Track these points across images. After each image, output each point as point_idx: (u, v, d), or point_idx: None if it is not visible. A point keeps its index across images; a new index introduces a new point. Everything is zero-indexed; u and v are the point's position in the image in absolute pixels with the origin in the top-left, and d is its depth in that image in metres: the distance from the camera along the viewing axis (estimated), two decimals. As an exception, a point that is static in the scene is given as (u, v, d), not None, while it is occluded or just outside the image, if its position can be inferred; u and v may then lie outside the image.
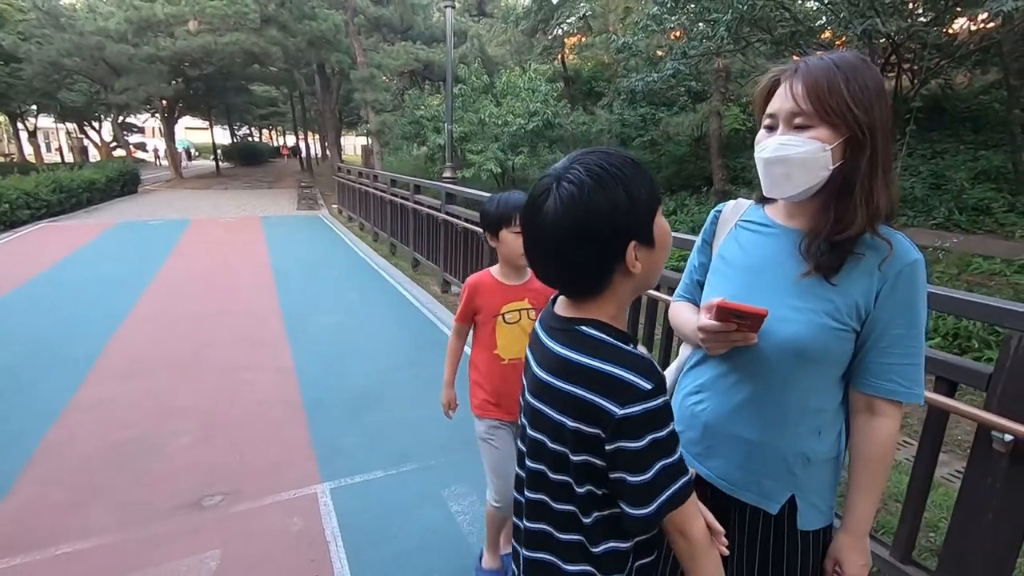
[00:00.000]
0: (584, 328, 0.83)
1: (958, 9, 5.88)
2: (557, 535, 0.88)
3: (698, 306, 1.25)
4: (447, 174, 9.05)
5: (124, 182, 16.92)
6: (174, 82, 19.94)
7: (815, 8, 6.75)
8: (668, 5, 6.66)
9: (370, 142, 16.52)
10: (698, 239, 1.28)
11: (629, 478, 0.78)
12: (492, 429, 1.83)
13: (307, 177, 23.97)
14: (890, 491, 2.34)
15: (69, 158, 29.56)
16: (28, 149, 29.38)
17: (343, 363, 4.04)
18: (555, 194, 0.79)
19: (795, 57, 8.28)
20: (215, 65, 17.94)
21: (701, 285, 1.25)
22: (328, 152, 22.14)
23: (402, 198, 7.34)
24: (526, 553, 0.93)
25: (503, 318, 1.77)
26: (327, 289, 6.34)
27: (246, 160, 36.27)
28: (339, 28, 14.97)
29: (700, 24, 7.11)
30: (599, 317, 0.84)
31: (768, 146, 0.97)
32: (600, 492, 0.83)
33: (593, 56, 17.72)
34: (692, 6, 6.59)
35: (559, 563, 0.88)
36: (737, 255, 1.12)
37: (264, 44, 14.39)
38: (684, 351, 1.29)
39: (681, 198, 12.28)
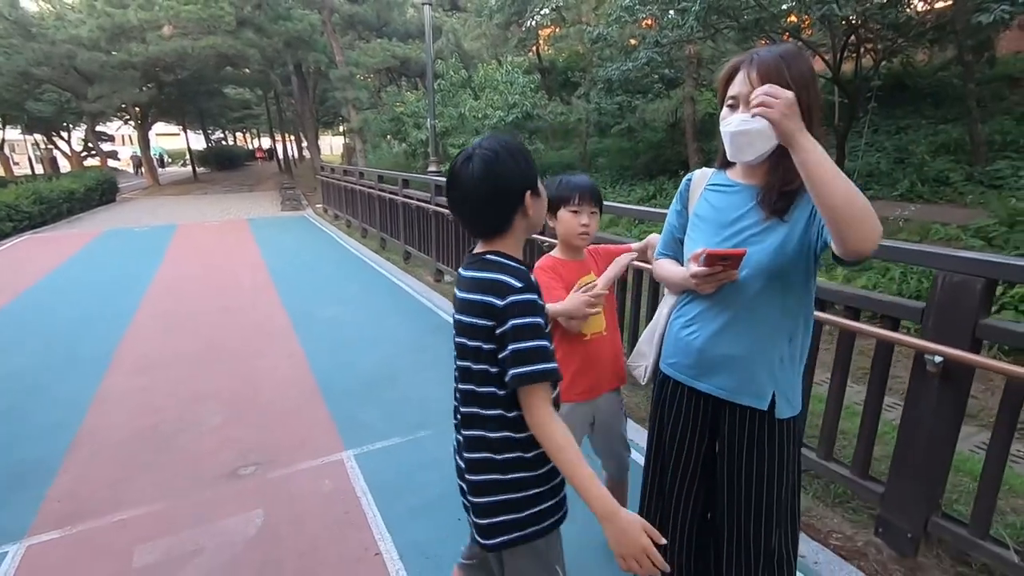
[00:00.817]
0: (488, 256, 1.17)
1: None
2: (483, 412, 1.18)
3: (679, 261, 1.52)
4: (432, 168, 9.26)
5: (102, 191, 16.80)
6: (147, 88, 19.73)
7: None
8: (640, -4, 6.96)
9: (352, 140, 16.58)
10: (674, 204, 1.54)
11: (502, 352, 1.09)
12: (570, 413, 1.78)
13: (287, 178, 23.90)
14: (844, 428, 2.66)
15: (39, 169, 28.99)
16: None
17: (350, 349, 4.28)
18: (474, 162, 1.11)
19: (762, 43, 8.61)
20: (189, 70, 17.82)
21: (680, 242, 1.50)
22: (308, 152, 22.09)
23: (391, 193, 7.54)
24: (464, 433, 1.23)
25: None
26: (324, 283, 6.54)
27: (222, 164, 35.88)
28: (315, 28, 15.00)
29: (671, 13, 7.40)
30: (501, 249, 1.17)
31: (733, 121, 1.20)
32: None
33: (568, 47, 17.95)
34: (665, -1, 6.90)
35: (487, 434, 1.18)
36: (710, 212, 1.39)
37: (240, 47, 14.38)
38: (669, 298, 1.58)
39: (660, 183, 12.61)
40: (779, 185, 1.26)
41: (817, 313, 2.25)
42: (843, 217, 1.04)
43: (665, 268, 1.54)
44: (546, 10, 18.71)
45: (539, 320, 1.10)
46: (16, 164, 35.16)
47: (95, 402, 3.47)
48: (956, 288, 1.83)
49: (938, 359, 1.85)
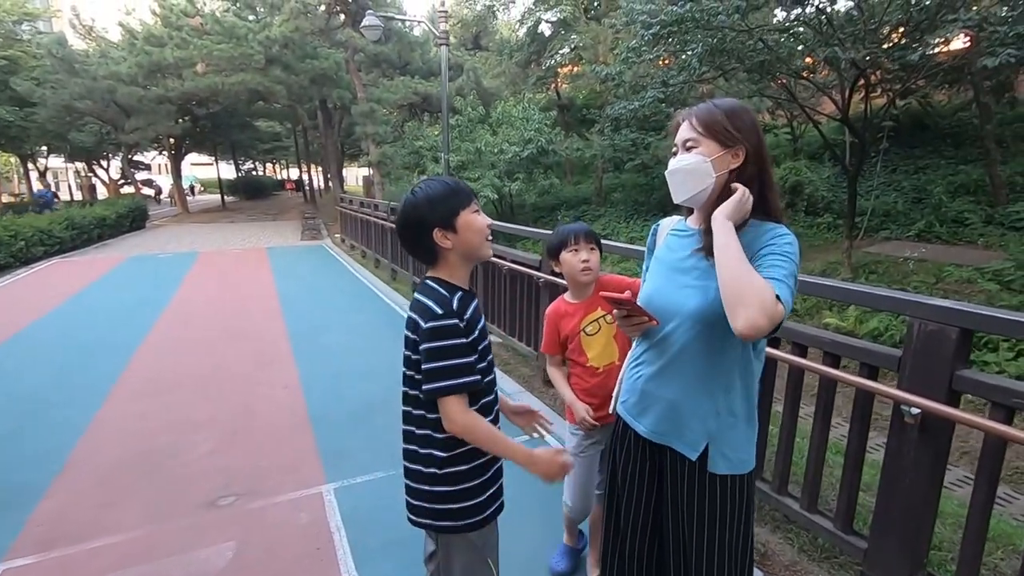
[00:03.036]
0: (427, 280, 1.36)
1: (924, 38, 6.26)
2: (413, 412, 1.37)
3: None
4: (445, 201, 9.42)
5: (133, 218, 17.41)
6: (181, 120, 20.63)
7: (782, 38, 7.15)
8: (646, 39, 7.11)
9: (371, 173, 17.02)
10: (647, 251, 1.57)
11: (424, 366, 1.28)
12: (587, 445, 2.00)
13: (311, 208, 24.51)
14: (824, 481, 2.57)
15: (78, 196, 30.30)
16: (39, 189, 30.12)
17: (345, 380, 4.30)
18: (403, 201, 1.36)
19: (773, 84, 8.68)
20: (221, 104, 18.63)
21: None
22: (331, 184, 22.71)
23: (402, 225, 7.64)
24: (403, 427, 1.41)
25: (585, 332, 1.94)
26: (331, 312, 6.63)
27: (251, 194, 36.95)
28: (340, 65, 15.62)
29: (682, 55, 7.54)
30: (438, 275, 1.36)
31: (670, 164, 1.31)
32: None
33: (586, 84, 18.32)
34: (671, 40, 7.03)
35: (415, 430, 1.38)
36: (665, 256, 1.43)
37: (268, 83, 15.02)
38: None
39: (674, 219, 12.59)
40: (708, 224, 1.27)
41: (794, 359, 2.23)
42: (730, 296, 1.12)
43: None
44: (565, 49, 19.24)
45: (450, 343, 1.27)
46: (58, 191, 36.94)
47: (92, 427, 3.54)
48: (931, 337, 1.79)
49: (915, 411, 1.79)
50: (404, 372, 1.36)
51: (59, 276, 9.53)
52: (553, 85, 20.45)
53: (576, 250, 1.91)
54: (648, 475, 1.46)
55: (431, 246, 1.33)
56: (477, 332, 1.35)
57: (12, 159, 31.06)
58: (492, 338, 5.26)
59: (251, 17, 15.85)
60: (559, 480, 1.38)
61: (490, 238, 1.40)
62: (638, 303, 1.36)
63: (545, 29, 20.85)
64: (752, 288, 1.09)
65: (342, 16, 15.27)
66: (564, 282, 3.68)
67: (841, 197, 9.88)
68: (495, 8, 21.04)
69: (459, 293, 1.34)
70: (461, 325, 1.29)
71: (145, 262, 10.93)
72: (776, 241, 1.21)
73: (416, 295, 1.35)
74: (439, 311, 1.27)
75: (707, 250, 1.26)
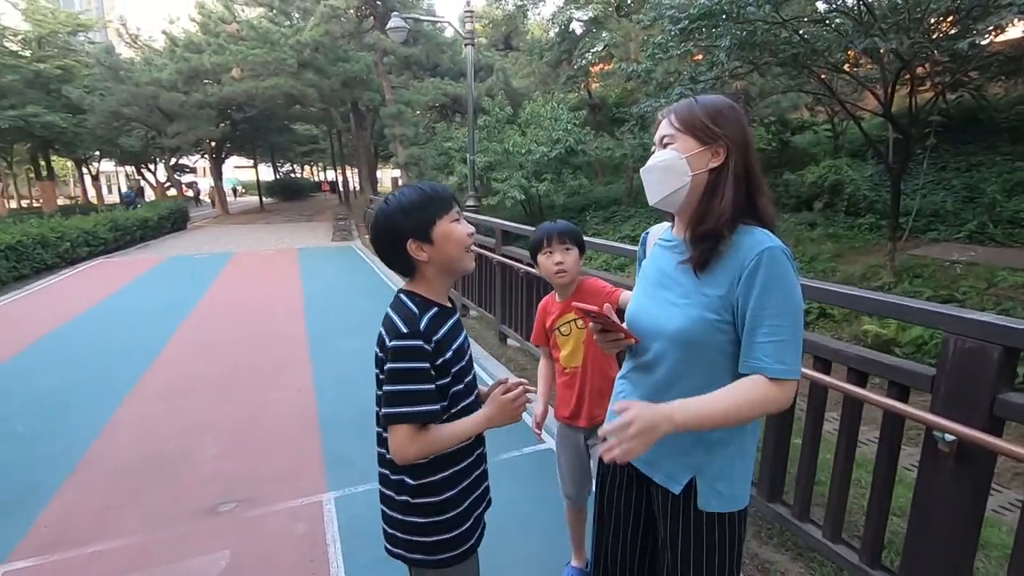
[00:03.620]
0: (400, 294, 1.26)
1: (976, 27, 5.85)
2: (382, 434, 1.26)
3: None
4: (470, 202, 9.39)
5: (174, 219, 18.01)
6: (221, 125, 21.26)
7: (819, 30, 6.79)
8: (673, 34, 6.86)
9: (401, 174, 17.15)
10: (637, 262, 1.46)
11: (383, 387, 1.18)
12: (561, 432, 2.06)
13: (342, 210, 24.95)
14: (853, 503, 2.36)
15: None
16: (92, 191, 31.67)
17: (357, 384, 4.26)
18: (374, 212, 1.28)
19: (811, 79, 8.27)
20: (258, 107, 19.13)
21: None
22: (363, 185, 23.03)
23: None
24: (377, 449, 1.31)
25: (559, 331, 1.96)
26: (352, 315, 6.64)
27: (288, 195, 37.92)
28: (370, 68, 15.80)
29: (712, 51, 7.26)
30: (413, 289, 1.26)
31: (648, 162, 1.20)
32: None
33: (617, 83, 18.04)
34: (699, 34, 6.78)
35: (385, 453, 1.26)
36: (649, 268, 1.32)
37: (301, 87, 15.32)
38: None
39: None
40: (691, 229, 1.16)
41: (816, 375, 2.04)
42: (747, 420, 1.11)
43: None
44: (597, 47, 18.99)
45: (411, 365, 1.17)
46: (110, 193, 38.74)
47: (106, 429, 3.59)
48: (970, 356, 1.59)
49: (950, 437, 1.60)
50: (377, 392, 1.25)
51: (99, 276, 9.88)
52: (584, 84, 20.21)
53: (550, 252, 1.87)
54: (635, 503, 1.36)
55: (401, 255, 1.23)
56: (451, 353, 1.24)
57: (68, 163, 32.64)
58: (511, 342, 4.98)
59: (286, 23, 16.18)
60: (521, 414, 1.29)
61: (471, 249, 1.28)
62: (626, 320, 1.25)
63: (577, 27, 20.63)
64: (753, 409, 1.08)
65: (371, 19, 15.43)
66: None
67: (884, 197, 9.37)
68: (525, 8, 20.93)
69: (433, 310, 1.23)
70: (427, 348, 1.18)
71: (181, 263, 11.25)
72: (768, 283, 1.06)
73: (388, 309, 1.24)
74: (404, 330, 1.17)
75: (693, 263, 1.14)
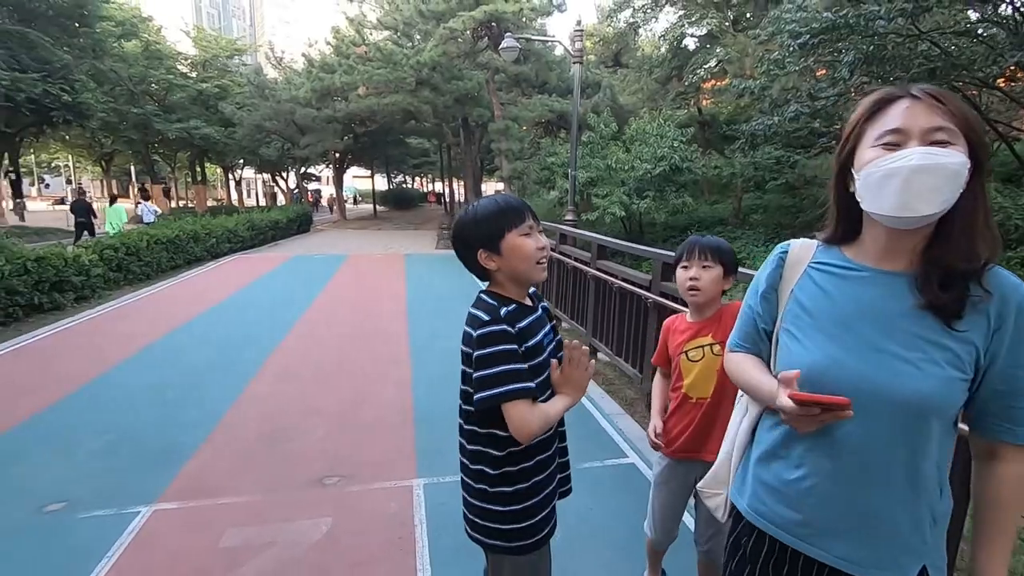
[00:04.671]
0: (481, 293, 1.37)
1: None
2: (464, 426, 1.38)
3: (762, 358, 1.14)
4: (569, 216, 9.51)
5: (300, 222, 19.90)
6: (345, 138, 23.23)
7: (963, 43, 6.16)
8: (792, 49, 6.55)
9: (504, 187, 17.72)
10: (759, 283, 1.14)
11: (475, 374, 1.25)
12: (666, 468, 1.89)
13: (448, 220, 26.10)
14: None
15: (263, 202, 35.44)
16: (235, 195, 35.85)
17: (451, 385, 4.49)
18: (455, 220, 1.38)
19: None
20: (378, 122, 20.69)
21: (768, 334, 1.12)
22: (467, 197, 24.02)
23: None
24: (460, 439, 1.42)
25: (686, 355, 1.78)
26: (451, 318, 6.98)
27: (399, 204, 40.33)
28: (482, 86, 16.55)
29: (834, 67, 6.86)
30: (492, 289, 1.37)
31: (911, 155, 0.86)
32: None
33: (729, 100, 17.41)
34: (821, 49, 6.41)
35: (466, 443, 1.38)
36: (822, 303, 1.00)
37: (418, 103, 16.40)
38: (752, 409, 1.17)
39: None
40: (948, 264, 0.89)
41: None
42: None
43: (743, 369, 1.14)
44: (711, 63, 18.47)
45: (501, 348, 1.24)
46: (248, 196, 43.55)
47: (238, 401, 4.11)
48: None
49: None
50: (461, 388, 1.36)
51: (236, 270, 11.16)
52: (695, 101, 19.71)
53: (687, 266, 1.74)
54: None
55: (473, 261, 1.34)
56: (533, 342, 1.30)
57: (217, 170, 37.17)
58: (600, 356, 5.01)
59: (408, 44, 17.42)
60: (588, 375, 1.33)
61: (543, 261, 1.31)
62: (805, 375, 0.95)
63: (689, 43, 20.22)
64: None
65: (486, 39, 16.17)
66: (672, 304, 3.56)
67: (1042, 227, 8.24)
68: (637, 25, 20.86)
69: (512, 305, 1.31)
70: (512, 331, 1.26)
71: (304, 261, 12.41)
72: None
73: (470, 308, 1.34)
74: (487, 318, 1.26)
75: (945, 309, 0.90)
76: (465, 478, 1.41)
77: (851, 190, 0.96)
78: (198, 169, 29.68)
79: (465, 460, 1.39)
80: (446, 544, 2.47)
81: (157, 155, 28.58)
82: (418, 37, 17.37)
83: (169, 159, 30.41)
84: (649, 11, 19.53)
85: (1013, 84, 7.19)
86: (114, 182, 34.18)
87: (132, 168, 37.52)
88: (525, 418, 1.23)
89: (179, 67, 25.67)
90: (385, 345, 5.66)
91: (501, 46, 11.08)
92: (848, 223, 1.01)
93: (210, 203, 31.90)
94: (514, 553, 1.37)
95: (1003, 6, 6.23)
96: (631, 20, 20.69)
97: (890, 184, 0.87)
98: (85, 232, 13.86)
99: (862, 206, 0.93)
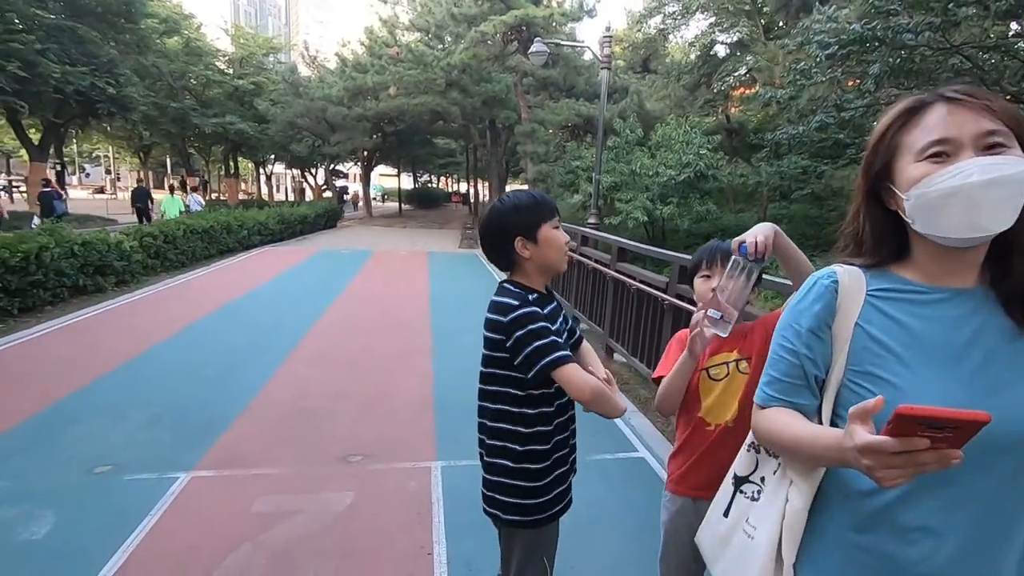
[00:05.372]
0: (504, 283, 1.44)
1: None
2: (489, 407, 1.45)
3: (805, 413, 0.91)
4: (591, 220, 9.63)
5: (328, 217, 20.36)
6: (374, 136, 23.68)
7: (997, 57, 6.11)
8: (820, 59, 6.57)
9: (528, 189, 17.88)
10: (804, 320, 0.92)
11: (521, 353, 1.32)
12: (678, 511, 1.59)
13: (472, 219, 26.36)
14: None
15: (291, 197, 36.26)
16: (265, 189, 36.71)
17: (471, 376, 4.66)
18: (489, 208, 1.45)
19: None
20: (407, 122, 21.06)
21: (818, 382, 0.91)
22: (492, 198, 24.29)
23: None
24: (479, 420, 1.50)
25: (707, 373, 1.51)
26: (472, 314, 7.14)
27: (423, 203, 40.76)
28: (510, 88, 16.78)
29: (862, 78, 6.86)
30: (516, 279, 1.44)
31: (970, 168, 0.75)
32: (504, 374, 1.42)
33: (757, 108, 17.32)
34: (849, 60, 6.42)
35: (487, 422, 1.46)
36: (902, 336, 0.84)
37: (446, 104, 16.72)
38: (800, 485, 0.94)
39: (846, 256, 11.31)
40: (1020, 273, 0.82)
41: None
42: None
43: (785, 423, 0.90)
44: (741, 71, 18.39)
45: (537, 325, 1.32)
46: (278, 191, 44.54)
47: (270, 382, 4.34)
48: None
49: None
50: (481, 371, 1.45)
51: (266, 261, 11.53)
52: (723, 108, 19.63)
53: (708, 276, 1.54)
54: None
55: (510, 253, 1.40)
56: (554, 330, 1.36)
57: (249, 164, 38.12)
58: (617, 357, 5.15)
59: (439, 46, 17.74)
60: (616, 398, 1.35)
61: (569, 254, 1.45)
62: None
63: (720, 50, 20.17)
64: None
65: (515, 43, 16.37)
66: (688, 306, 3.66)
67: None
68: (667, 31, 20.88)
69: (535, 294, 1.40)
70: (541, 312, 1.35)
71: (331, 256, 12.74)
72: None
73: (493, 297, 1.40)
74: (516, 303, 1.33)
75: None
76: (485, 456, 1.47)
77: (891, 207, 0.87)
78: (231, 163, 30.49)
79: (484, 438, 1.47)
80: (460, 521, 2.63)
81: (193, 148, 29.47)
82: (449, 39, 17.67)
83: (204, 152, 31.32)
84: (680, 17, 19.55)
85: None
86: (150, 173, 35.33)
87: (168, 160, 38.72)
88: (579, 376, 1.29)
89: (217, 63, 26.47)
90: (409, 337, 5.86)
91: (530, 50, 11.25)
92: (894, 242, 0.89)
93: (241, 196, 32.74)
94: (528, 527, 1.45)
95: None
96: (661, 26, 20.72)
97: (951, 204, 0.77)
98: (143, 218, 14.95)
99: (915, 228, 0.82)
